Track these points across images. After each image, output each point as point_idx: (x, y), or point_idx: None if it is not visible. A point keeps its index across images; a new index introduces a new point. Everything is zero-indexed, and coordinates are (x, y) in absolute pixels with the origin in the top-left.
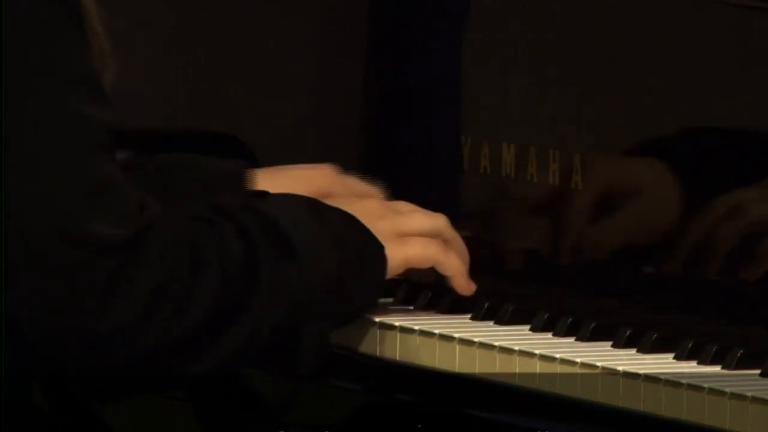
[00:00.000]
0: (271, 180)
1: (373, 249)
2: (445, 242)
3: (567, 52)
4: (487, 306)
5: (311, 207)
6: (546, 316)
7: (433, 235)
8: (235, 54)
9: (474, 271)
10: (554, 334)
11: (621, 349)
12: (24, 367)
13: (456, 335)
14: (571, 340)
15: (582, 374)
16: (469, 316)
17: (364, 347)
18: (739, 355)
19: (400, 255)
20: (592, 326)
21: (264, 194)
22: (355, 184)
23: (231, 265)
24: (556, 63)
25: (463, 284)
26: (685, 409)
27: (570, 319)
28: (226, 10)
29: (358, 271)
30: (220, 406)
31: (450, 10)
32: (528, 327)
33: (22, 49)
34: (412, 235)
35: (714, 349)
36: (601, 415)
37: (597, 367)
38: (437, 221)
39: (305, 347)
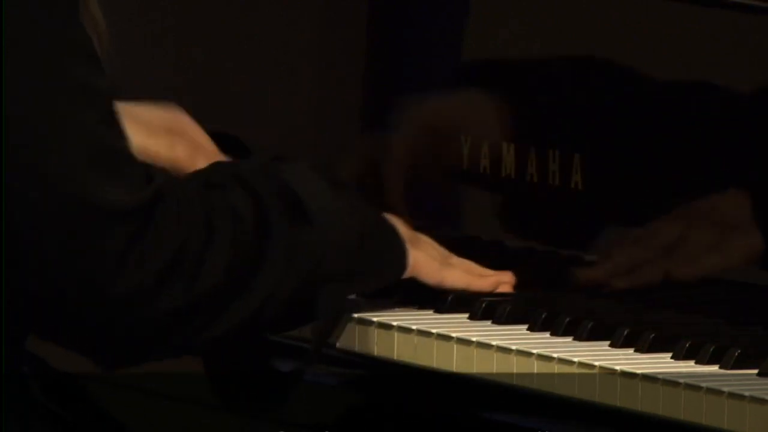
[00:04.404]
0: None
1: (390, 225)
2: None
3: (567, 52)
4: (484, 305)
5: (327, 177)
6: (544, 316)
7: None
8: (235, 53)
9: None
10: (552, 334)
11: (618, 349)
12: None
13: (454, 335)
14: (569, 339)
15: (580, 374)
16: (467, 315)
17: (362, 346)
18: (736, 354)
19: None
20: (589, 326)
21: (280, 160)
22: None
23: (243, 229)
24: (556, 63)
25: (483, 284)
26: (683, 408)
27: (568, 319)
28: (226, 10)
29: (377, 239)
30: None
31: (450, 10)
32: (526, 326)
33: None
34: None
35: (711, 349)
36: (599, 414)
37: (595, 366)
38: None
39: (320, 307)
